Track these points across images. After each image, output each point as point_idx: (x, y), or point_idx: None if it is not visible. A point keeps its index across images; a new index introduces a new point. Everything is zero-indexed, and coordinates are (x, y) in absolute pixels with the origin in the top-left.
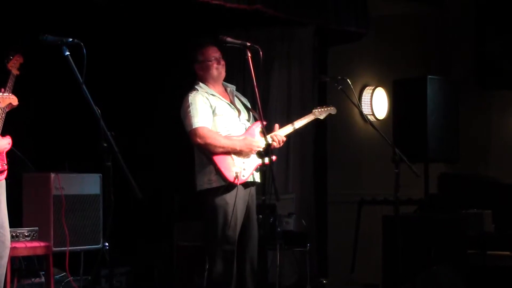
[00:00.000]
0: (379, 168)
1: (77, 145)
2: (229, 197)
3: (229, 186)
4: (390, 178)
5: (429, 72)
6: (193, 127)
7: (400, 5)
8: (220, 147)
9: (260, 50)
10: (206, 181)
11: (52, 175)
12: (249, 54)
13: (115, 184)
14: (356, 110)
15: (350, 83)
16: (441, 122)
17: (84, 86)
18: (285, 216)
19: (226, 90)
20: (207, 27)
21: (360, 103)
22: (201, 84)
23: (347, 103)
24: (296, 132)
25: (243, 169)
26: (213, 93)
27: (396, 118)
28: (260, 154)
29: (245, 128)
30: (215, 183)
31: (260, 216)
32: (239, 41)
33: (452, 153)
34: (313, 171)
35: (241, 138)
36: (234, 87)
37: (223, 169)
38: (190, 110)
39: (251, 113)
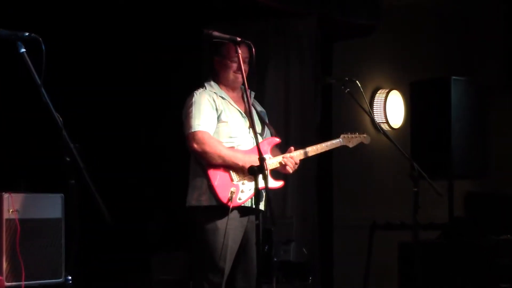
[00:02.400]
0: (395, 186)
1: (35, 160)
2: (221, 222)
3: (221, 208)
4: (408, 198)
5: (453, 72)
6: (192, 130)
7: None
8: (219, 157)
9: (252, 46)
10: (195, 197)
11: (5, 195)
12: (240, 51)
13: (80, 206)
14: (366, 117)
15: (359, 85)
16: (467, 131)
17: (43, 89)
18: (283, 244)
19: (243, 96)
20: (189, 20)
21: (372, 109)
22: (212, 82)
23: (355, 109)
24: (295, 144)
25: (241, 190)
26: (224, 96)
27: (414, 127)
28: (253, 171)
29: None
30: (205, 201)
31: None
32: (227, 36)
33: (480, 168)
34: (316, 190)
35: (247, 153)
36: (253, 93)
37: (216, 186)
38: (192, 110)
39: (266, 127)
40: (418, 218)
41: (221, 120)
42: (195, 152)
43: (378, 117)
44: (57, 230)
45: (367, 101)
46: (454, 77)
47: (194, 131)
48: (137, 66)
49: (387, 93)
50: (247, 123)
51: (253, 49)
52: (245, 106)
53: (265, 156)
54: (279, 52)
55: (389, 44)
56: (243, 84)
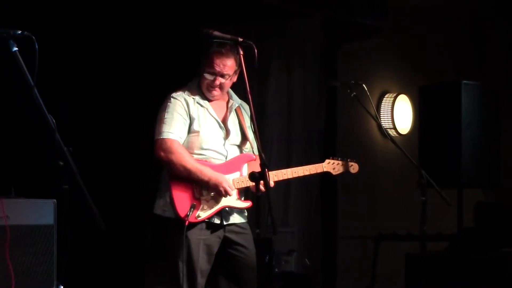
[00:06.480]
0: (402, 195)
1: (26, 164)
2: (190, 234)
3: (180, 221)
4: (415, 207)
5: (464, 76)
6: (161, 137)
7: None
8: (185, 169)
9: (254, 46)
10: (161, 206)
11: None
12: (241, 52)
13: (73, 212)
14: (373, 122)
15: (366, 89)
16: (478, 138)
17: (35, 90)
18: (284, 254)
19: (228, 101)
20: (187, 21)
21: (379, 114)
22: (196, 84)
23: (362, 113)
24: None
25: (202, 207)
26: (202, 103)
27: (423, 133)
28: (254, 177)
29: (227, 156)
30: (168, 212)
31: None
32: (229, 36)
33: (491, 176)
34: (320, 198)
35: (216, 169)
36: (239, 102)
37: (176, 199)
38: (164, 115)
39: (248, 141)
40: (426, 228)
41: (193, 130)
42: (160, 160)
43: (385, 122)
44: (49, 237)
45: (374, 105)
46: (465, 81)
47: (163, 138)
48: (134, 65)
49: (395, 98)
50: (223, 133)
51: (255, 50)
52: (225, 113)
53: (234, 174)
54: (281, 54)
55: (397, 46)
56: (248, 87)
